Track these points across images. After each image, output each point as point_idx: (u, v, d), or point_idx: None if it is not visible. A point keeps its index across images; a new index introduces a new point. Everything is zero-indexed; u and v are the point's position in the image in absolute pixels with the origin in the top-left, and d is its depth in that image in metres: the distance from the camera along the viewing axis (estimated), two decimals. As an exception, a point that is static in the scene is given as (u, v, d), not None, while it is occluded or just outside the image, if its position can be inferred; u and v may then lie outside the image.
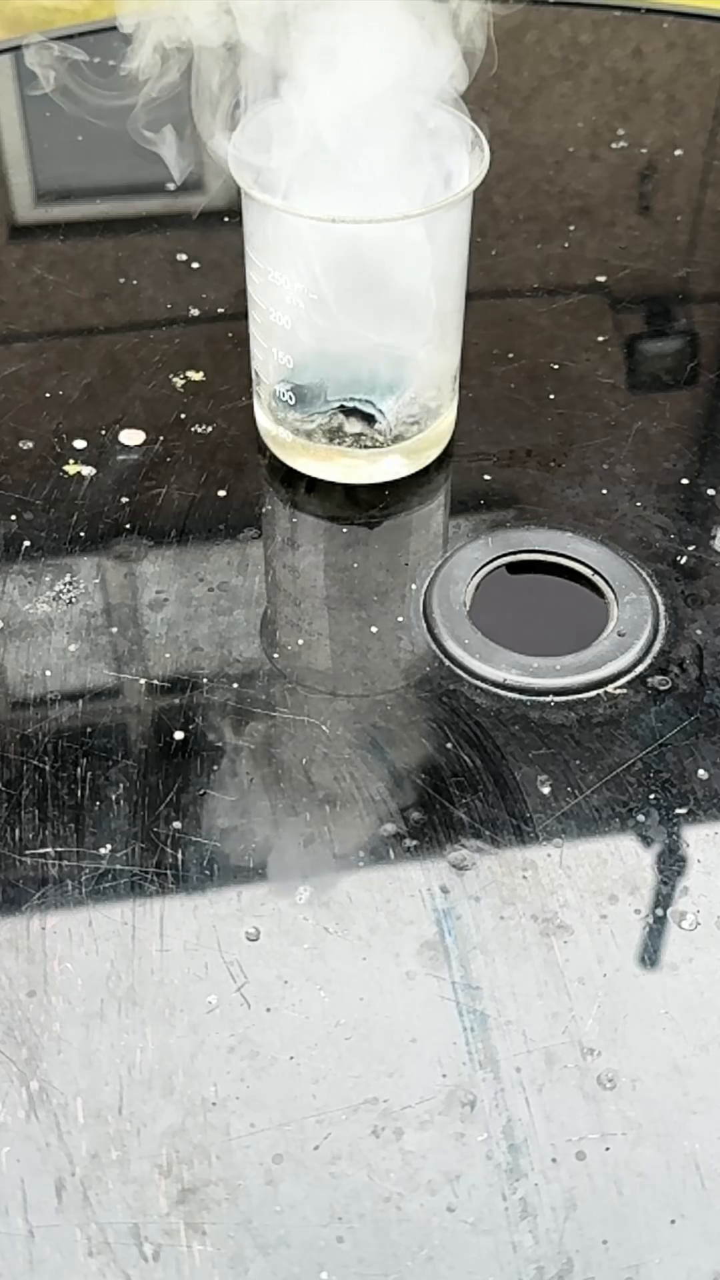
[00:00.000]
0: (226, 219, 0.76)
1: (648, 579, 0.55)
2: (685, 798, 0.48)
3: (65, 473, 0.61)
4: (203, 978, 0.42)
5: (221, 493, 0.60)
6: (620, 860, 0.46)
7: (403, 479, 0.59)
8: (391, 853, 0.46)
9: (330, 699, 0.51)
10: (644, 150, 0.84)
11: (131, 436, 0.62)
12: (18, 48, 0.90)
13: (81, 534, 0.58)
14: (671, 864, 0.46)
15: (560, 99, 0.90)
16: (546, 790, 0.48)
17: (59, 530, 0.58)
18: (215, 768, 0.48)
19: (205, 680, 0.51)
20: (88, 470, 0.61)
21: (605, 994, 0.42)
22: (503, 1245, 0.37)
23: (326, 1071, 0.40)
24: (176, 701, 0.51)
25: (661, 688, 0.51)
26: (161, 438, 0.62)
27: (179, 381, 0.66)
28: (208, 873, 0.45)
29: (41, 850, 0.46)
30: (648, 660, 0.52)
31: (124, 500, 0.59)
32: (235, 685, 0.51)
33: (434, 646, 0.53)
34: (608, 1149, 0.39)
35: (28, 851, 0.46)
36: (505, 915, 0.44)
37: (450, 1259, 0.37)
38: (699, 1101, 0.40)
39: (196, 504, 0.59)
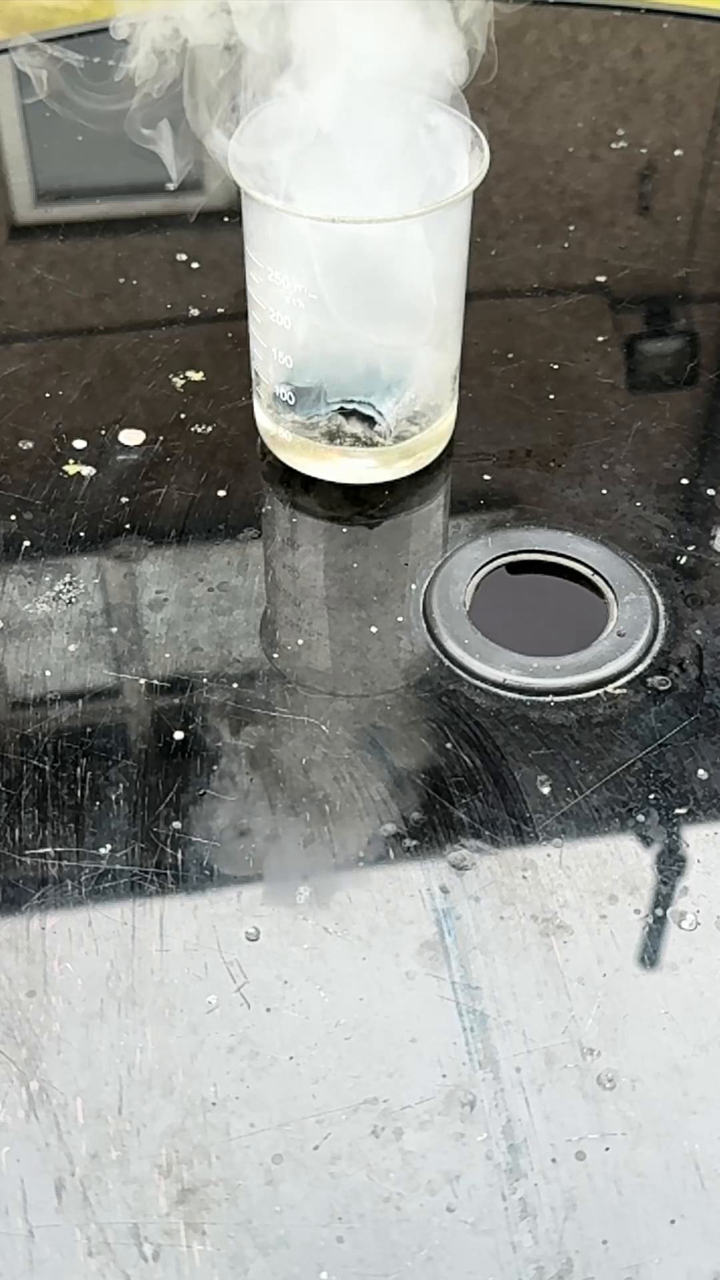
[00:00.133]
0: (226, 219, 0.76)
1: (647, 579, 0.55)
2: (685, 798, 0.48)
3: (65, 473, 0.61)
4: (202, 978, 0.42)
5: (221, 493, 0.60)
6: (620, 860, 0.46)
7: (403, 479, 0.59)
8: (391, 853, 0.46)
9: (330, 699, 0.51)
10: (644, 150, 0.84)
11: (131, 436, 0.62)
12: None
13: (81, 534, 0.58)
14: (671, 864, 0.46)
15: (560, 99, 0.90)
16: (546, 790, 0.48)
17: (59, 530, 0.58)
18: (215, 768, 0.48)
19: (205, 680, 0.51)
20: (87, 470, 0.61)
21: (605, 994, 0.42)
22: (502, 1245, 0.37)
23: (326, 1071, 0.40)
24: (176, 701, 0.51)
25: (661, 688, 0.51)
26: (161, 438, 0.62)
27: (179, 381, 0.66)
28: (207, 873, 0.45)
29: (41, 850, 0.46)
30: (647, 660, 0.52)
31: (124, 500, 0.59)
32: (235, 685, 0.51)
33: (434, 646, 0.53)
34: (607, 1149, 0.39)
35: (28, 851, 0.46)
36: (505, 915, 0.44)
37: (450, 1259, 0.37)
38: (699, 1101, 0.40)
39: (196, 504, 0.59)
